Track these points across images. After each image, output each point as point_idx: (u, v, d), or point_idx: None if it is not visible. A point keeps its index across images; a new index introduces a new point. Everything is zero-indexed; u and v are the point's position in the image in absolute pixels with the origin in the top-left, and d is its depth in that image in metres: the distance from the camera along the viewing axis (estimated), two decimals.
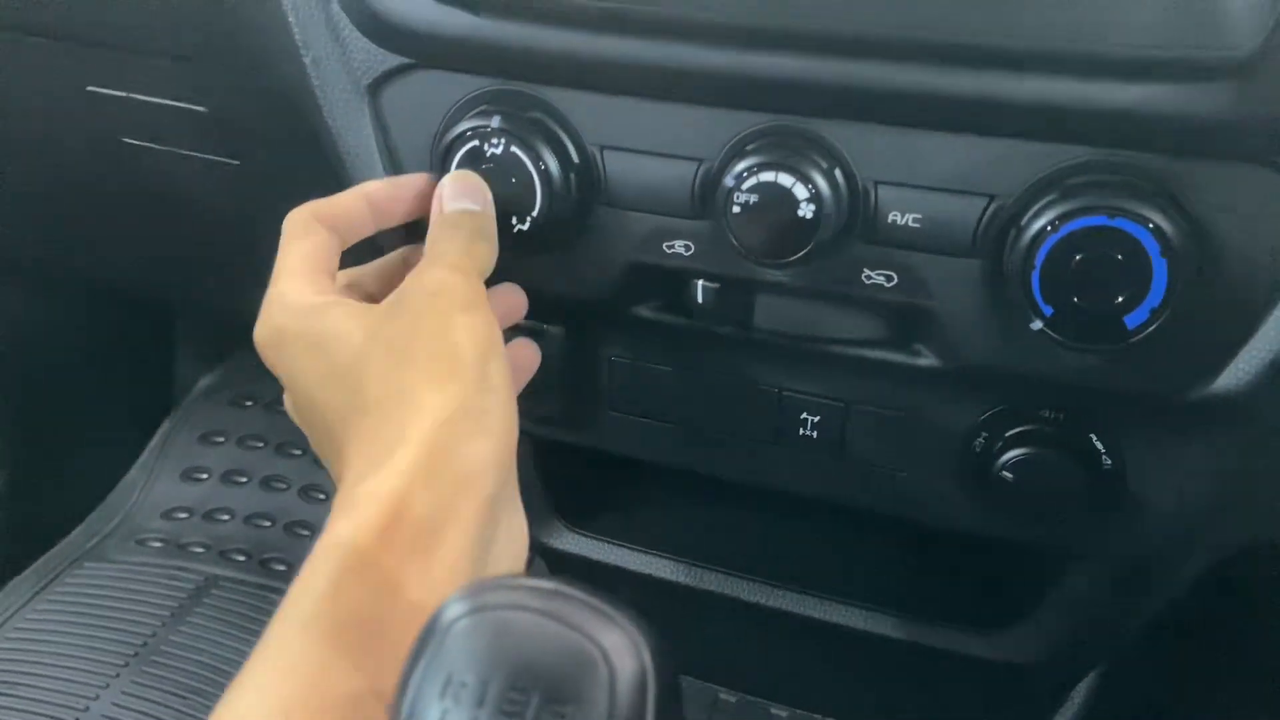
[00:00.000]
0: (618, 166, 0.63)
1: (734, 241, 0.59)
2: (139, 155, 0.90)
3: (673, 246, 0.64)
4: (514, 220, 0.62)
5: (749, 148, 0.59)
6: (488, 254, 0.58)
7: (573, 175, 0.63)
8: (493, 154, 0.61)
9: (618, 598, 0.35)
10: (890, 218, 0.58)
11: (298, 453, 1.43)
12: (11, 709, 1.08)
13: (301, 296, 0.55)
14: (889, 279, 0.60)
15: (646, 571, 0.86)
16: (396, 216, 0.62)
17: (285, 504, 1.38)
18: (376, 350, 0.51)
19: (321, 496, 1.38)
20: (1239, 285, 0.55)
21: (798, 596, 0.83)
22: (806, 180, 0.57)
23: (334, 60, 0.67)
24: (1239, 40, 0.49)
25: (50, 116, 0.92)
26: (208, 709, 0.43)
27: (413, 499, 0.45)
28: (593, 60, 0.60)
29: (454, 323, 0.51)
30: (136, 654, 1.16)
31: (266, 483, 1.41)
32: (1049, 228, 0.53)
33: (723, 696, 0.98)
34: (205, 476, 1.43)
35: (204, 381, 1.53)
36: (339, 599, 0.43)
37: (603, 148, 0.63)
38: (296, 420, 0.58)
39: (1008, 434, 0.65)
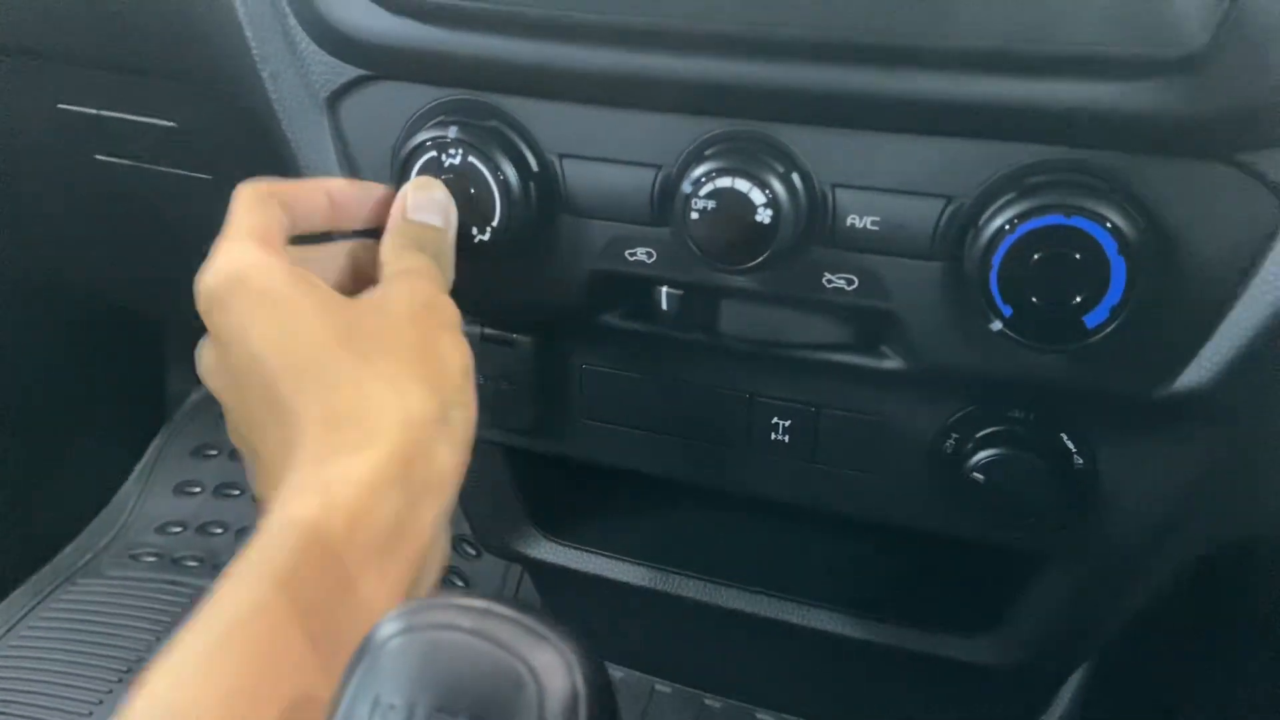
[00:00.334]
0: (577, 174, 0.62)
1: (693, 248, 0.59)
2: (114, 172, 0.90)
3: (635, 254, 0.63)
4: (474, 230, 0.62)
5: (706, 153, 0.58)
6: (450, 271, 0.59)
7: (532, 184, 0.62)
8: (451, 164, 0.61)
9: (550, 616, 0.34)
10: (849, 221, 0.58)
11: None
12: None
13: (265, 255, 0.51)
14: (850, 282, 0.60)
15: (626, 579, 0.86)
16: (356, 220, 0.61)
17: None
18: (351, 341, 0.49)
19: None
20: (1199, 282, 0.54)
21: (777, 602, 0.83)
22: (763, 185, 0.56)
23: (292, 73, 0.67)
24: (1188, 36, 0.48)
25: (22, 134, 0.92)
26: None
27: (383, 497, 0.45)
28: (547, 69, 0.60)
29: (442, 338, 0.53)
30: (130, 669, 1.16)
31: None
32: (1006, 228, 0.53)
33: (708, 702, 0.98)
34: (198, 490, 1.43)
35: (195, 395, 1.52)
36: (299, 586, 0.42)
37: (561, 156, 0.62)
38: (216, 381, 0.53)
39: (978, 435, 0.65)
